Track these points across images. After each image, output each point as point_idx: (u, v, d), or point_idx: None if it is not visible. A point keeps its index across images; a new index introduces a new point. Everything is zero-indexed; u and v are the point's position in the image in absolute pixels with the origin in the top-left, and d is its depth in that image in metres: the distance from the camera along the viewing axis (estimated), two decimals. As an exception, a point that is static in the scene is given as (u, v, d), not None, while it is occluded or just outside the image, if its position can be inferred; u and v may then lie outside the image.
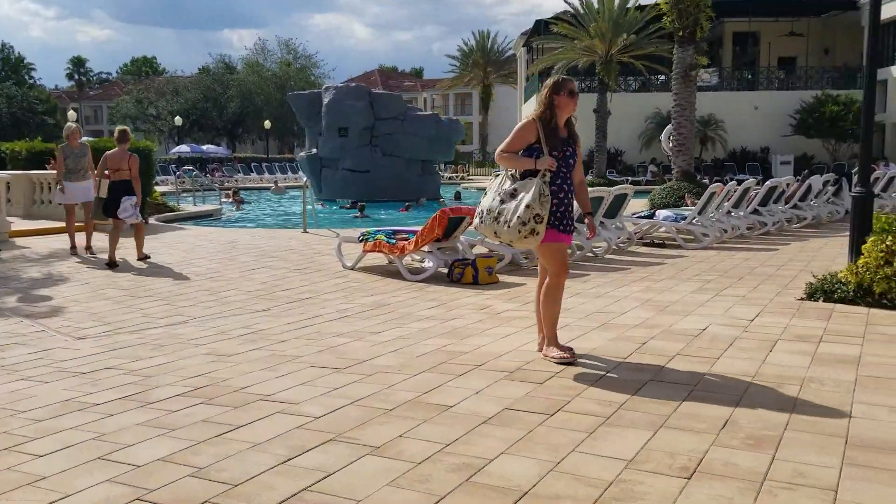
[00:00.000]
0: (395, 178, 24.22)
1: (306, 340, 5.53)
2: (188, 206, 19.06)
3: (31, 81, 76.44)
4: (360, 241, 9.17)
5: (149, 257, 9.92)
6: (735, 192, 12.42)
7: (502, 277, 8.37)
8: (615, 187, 10.57)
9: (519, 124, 4.64)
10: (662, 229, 11.78)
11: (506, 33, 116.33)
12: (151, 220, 14.68)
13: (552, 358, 4.67)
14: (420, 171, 25.15)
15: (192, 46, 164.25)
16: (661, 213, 11.75)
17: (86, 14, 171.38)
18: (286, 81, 60.14)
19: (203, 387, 4.32)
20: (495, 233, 4.53)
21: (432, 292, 7.62)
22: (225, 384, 4.36)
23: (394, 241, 8.82)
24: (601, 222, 10.35)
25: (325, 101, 24.46)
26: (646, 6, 30.20)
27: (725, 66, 37.70)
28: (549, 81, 4.64)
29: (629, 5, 29.84)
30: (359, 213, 18.08)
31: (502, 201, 4.51)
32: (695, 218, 11.38)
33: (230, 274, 8.87)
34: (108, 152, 9.87)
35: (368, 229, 9.37)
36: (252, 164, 41.62)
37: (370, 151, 24.34)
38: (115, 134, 10.09)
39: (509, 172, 4.63)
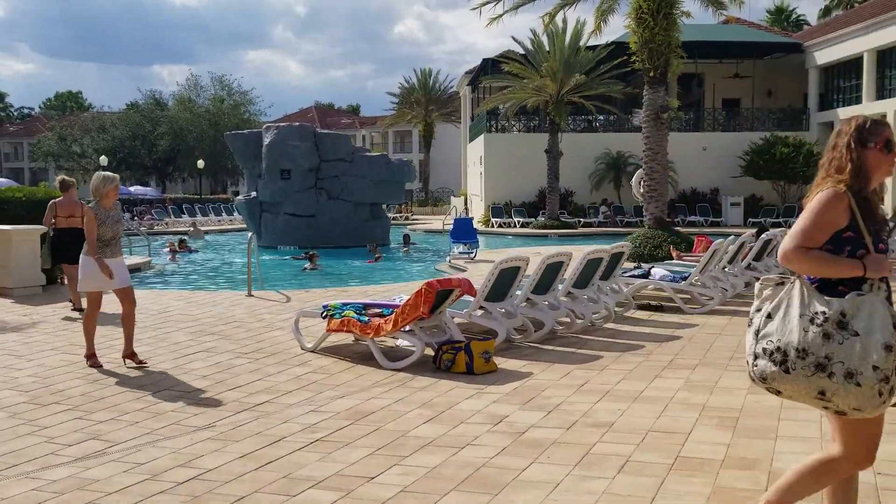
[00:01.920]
0: (342, 222, 22.65)
1: (274, 498, 3.92)
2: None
3: (-55, 116, 72.18)
4: (323, 318, 7.59)
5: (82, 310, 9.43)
6: (730, 247, 11.29)
7: (497, 360, 6.90)
8: (612, 246, 9.26)
9: (817, 200, 2.75)
10: (652, 287, 10.55)
11: (446, 72, 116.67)
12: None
13: None
14: (368, 214, 23.62)
15: (120, 82, 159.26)
16: (657, 272, 10.49)
17: (8, 47, 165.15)
18: (220, 118, 58.03)
19: None
20: (821, 392, 2.62)
21: (420, 389, 6.09)
22: None
23: (366, 318, 7.27)
24: (597, 286, 9.03)
25: (266, 141, 22.79)
26: (596, 46, 29.67)
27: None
28: (849, 127, 2.81)
29: (580, 44, 29.19)
30: (310, 264, 16.40)
31: (827, 336, 2.61)
32: (696, 277, 10.16)
33: (162, 362, 7.15)
34: (56, 200, 10.07)
35: (332, 303, 7.78)
36: (184, 206, 39.25)
37: (315, 194, 22.72)
38: (58, 183, 10.28)
39: (806, 280, 2.77)
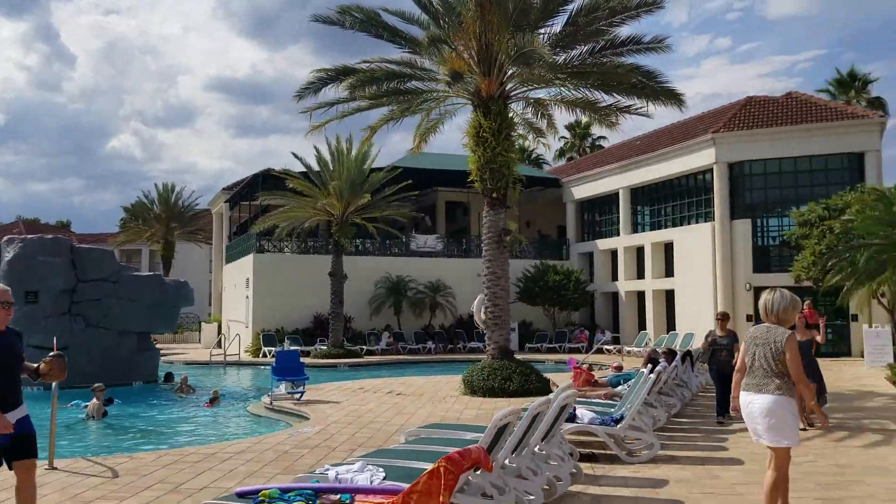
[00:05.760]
0: (103, 355, 18.67)
1: None
2: None
3: None
4: (253, 516, 4.99)
5: None
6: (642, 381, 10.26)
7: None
8: (564, 391, 7.65)
9: None
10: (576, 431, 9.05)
11: (190, 189, 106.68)
12: None
13: None
14: (136, 345, 19.80)
15: None
16: (583, 413, 9.04)
17: None
18: None
19: None
20: None
21: None
22: None
23: (333, 515, 4.85)
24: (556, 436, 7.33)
25: (8, 256, 18.36)
26: (382, 168, 29.03)
27: (441, 233, 37.81)
28: None
29: (365, 166, 28.33)
30: (91, 405, 12.90)
31: None
32: (630, 416, 8.86)
33: None
34: None
35: (267, 490, 5.19)
36: None
37: (69, 322, 18.56)
38: None
39: None
